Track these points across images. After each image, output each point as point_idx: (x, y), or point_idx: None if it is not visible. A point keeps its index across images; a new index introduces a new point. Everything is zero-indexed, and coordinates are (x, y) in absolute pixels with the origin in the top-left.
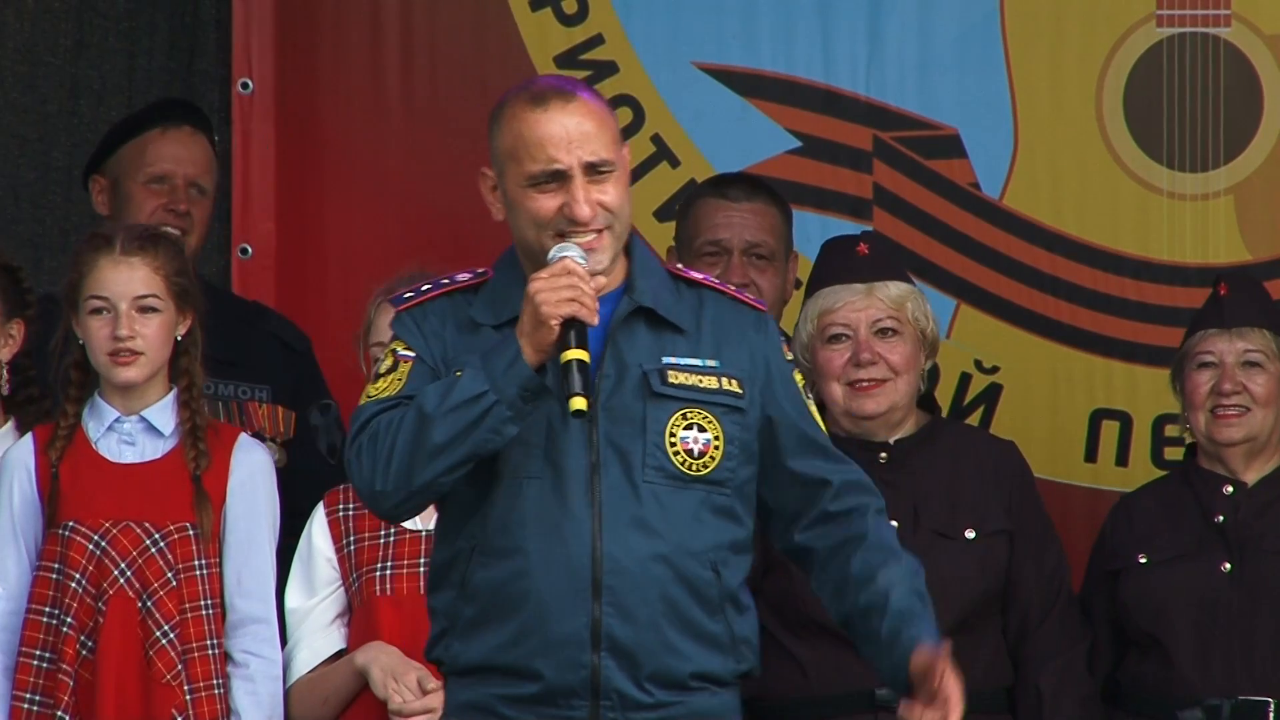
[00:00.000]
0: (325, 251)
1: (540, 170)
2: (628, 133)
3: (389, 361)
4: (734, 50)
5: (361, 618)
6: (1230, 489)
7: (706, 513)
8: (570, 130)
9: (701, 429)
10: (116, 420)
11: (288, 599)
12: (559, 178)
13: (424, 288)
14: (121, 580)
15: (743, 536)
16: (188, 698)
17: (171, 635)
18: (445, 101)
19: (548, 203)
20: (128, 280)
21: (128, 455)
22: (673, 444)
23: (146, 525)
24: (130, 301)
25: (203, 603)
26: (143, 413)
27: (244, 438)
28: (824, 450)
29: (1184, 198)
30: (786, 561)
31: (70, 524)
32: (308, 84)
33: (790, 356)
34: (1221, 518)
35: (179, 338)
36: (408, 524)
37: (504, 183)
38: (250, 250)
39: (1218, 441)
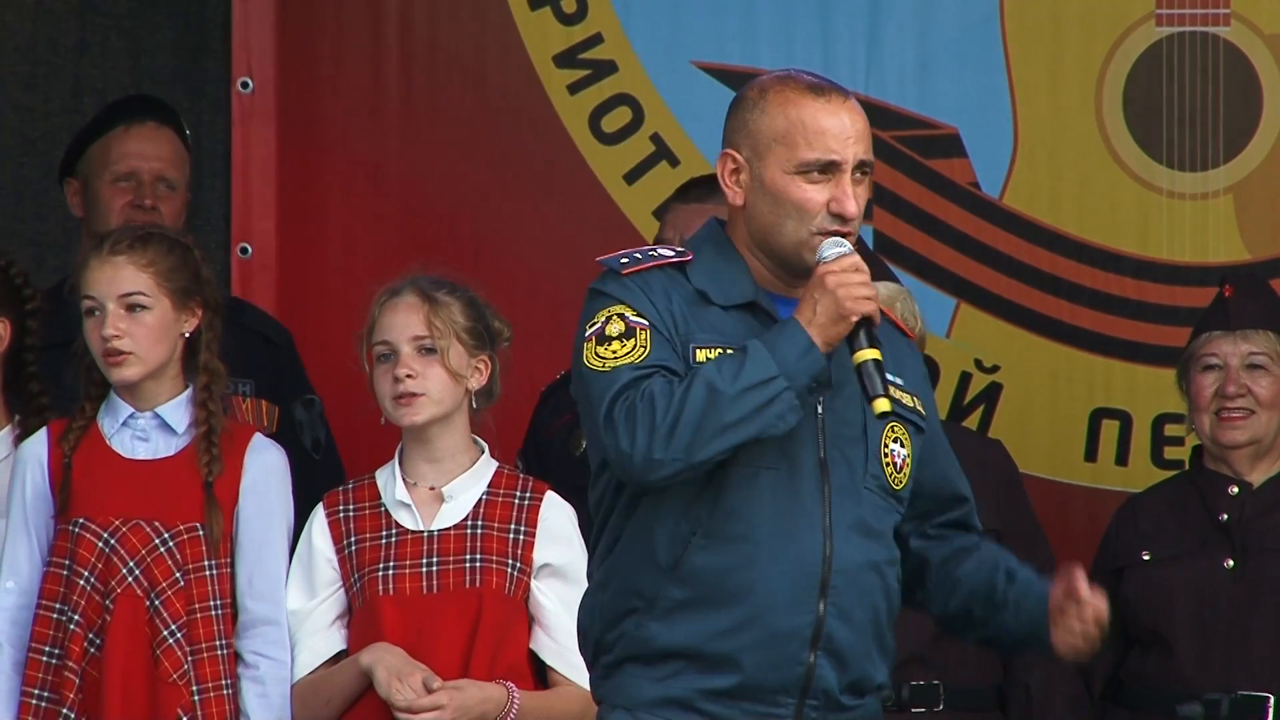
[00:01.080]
0: (325, 250)
1: (815, 159)
2: (626, 132)
3: (619, 325)
4: (733, 49)
5: (363, 618)
6: (1236, 489)
7: (893, 528)
8: (847, 126)
9: (901, 444)
10: (130, 416)
11: (288, 600)
12: (831, 170)
13: (636, 255)
14: (130, 579)
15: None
16: (195, 698)
17: (179, 635)
18: (445, 100)
19: (815, 194)
20: (111, 279)
21: (141, 451)
22: (886, 456)
23: (156, 524)
24: (116, 300)
25: (212, 603)
26: (157, 410)
27: (258, 438)
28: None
29: (1183, 197)
30: None
31: (80, 520)
32: (308, 83)
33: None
34: (1226, 516)
35: (186, 334)
36: (409, 524)
37: (761, 166)
38: (250, 249)
39: (1222, 444)
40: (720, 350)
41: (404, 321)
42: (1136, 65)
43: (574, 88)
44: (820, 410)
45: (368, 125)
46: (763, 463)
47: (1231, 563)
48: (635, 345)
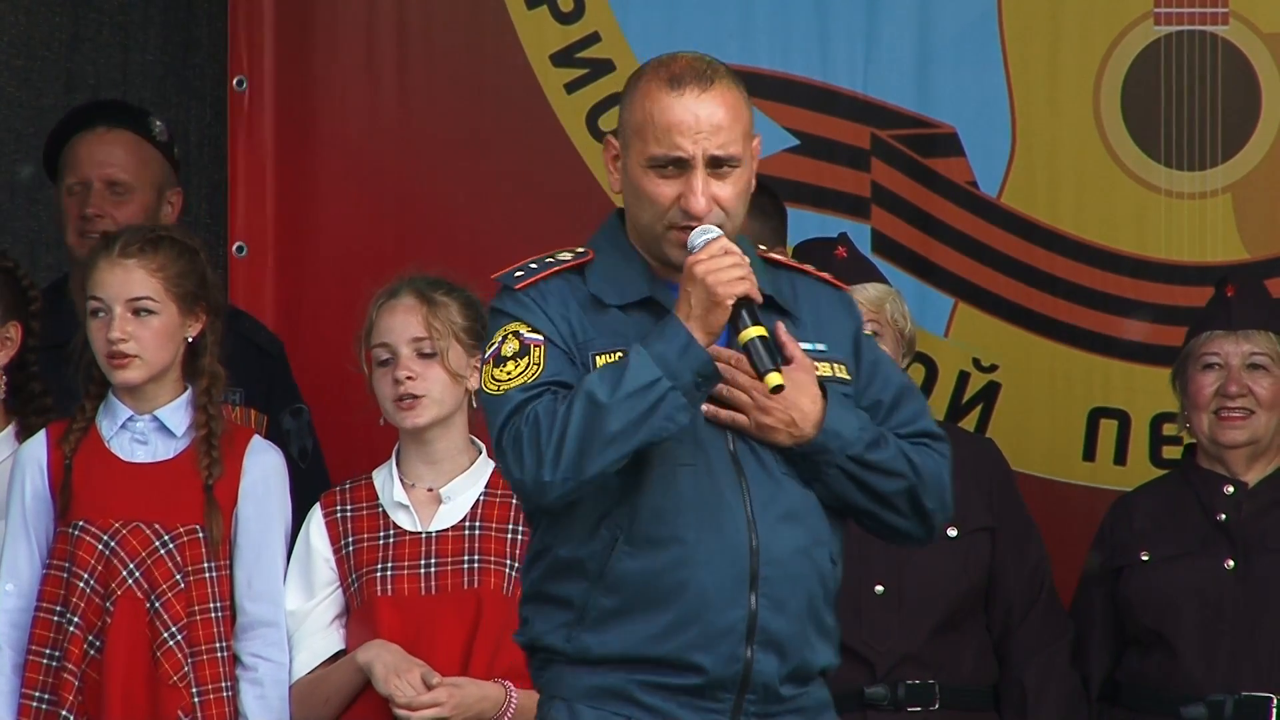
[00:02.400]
0: (321, 250)
1: (663, 155)
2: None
3: (514, 345)
4: (731, 48)
5: (361, 618)
6: (1231, 489)
7: (816, 501)
8: (701, 119)
9: None
10: (129, 419)
11: (285, 601)
12: (680, 165)
13: (531, 266)
14: (130, 581)
15: (841, 526)
16: (195, 700)
17: (179, 637)
18: (441, 99)
19: (666, 189)
20: (122, 282)
21: (140, 454)
22: None
23: (156, 526)
24: (124, 304)
25: (212, 605)
26: (155, 412)
27: (257, 440)
28: (910, 402)
29: (1182, 196)
30: None
31: (80, 523)
32: (304, 82)
33: (869, 330)
34: (1224, 516)
35: (189, 339)
36: (407, 525)
37: (626, 157)
38: (246, 248)
39: (1221, 444)
40: (620, 354)
41: (402, 323)
42: (1135, 64)
43: (571, 86)
44: (725, 396)
45: (364, 123)
46: (678, 460)
47: (1232, 563)
48: (529, 363)
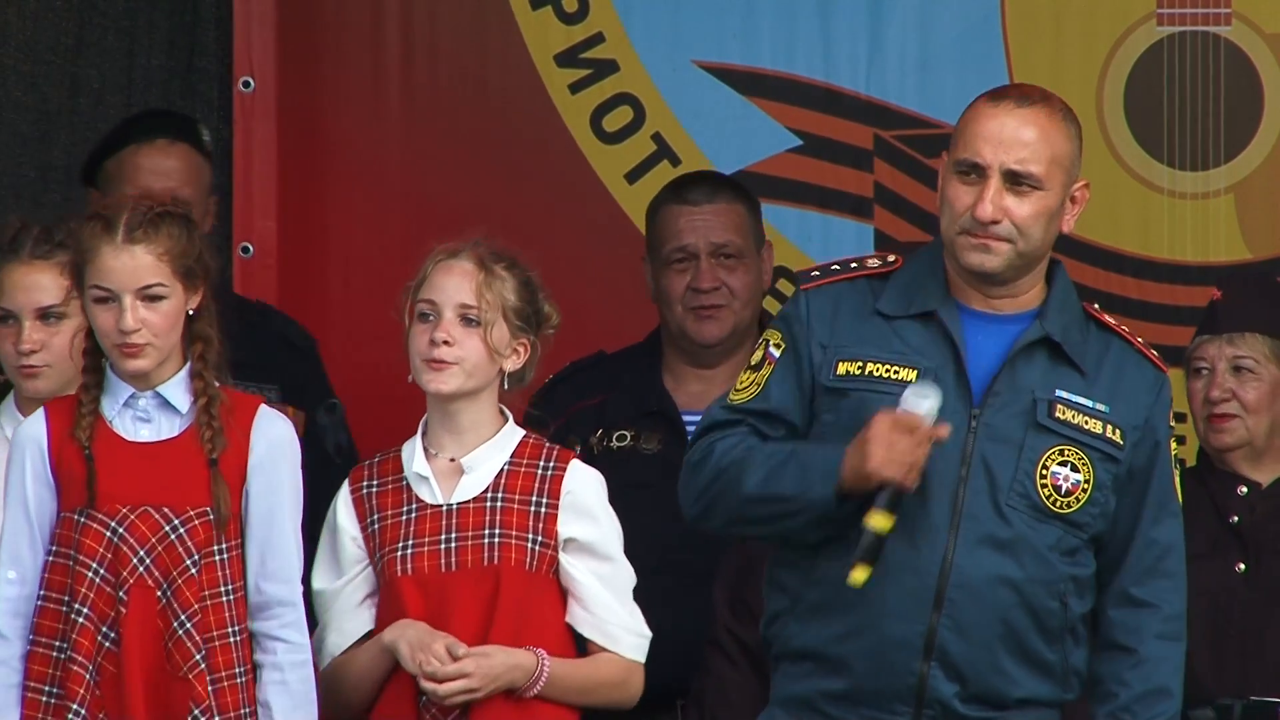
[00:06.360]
0: (326, 249)
1: (964, 158)
2: (627, 131)
3: (759, 353)
4: (734, 49)
5: (385, 599)
6: (1244, 490)
7: (1059, 551)
8: (1006, 131)
9: (1075, 469)
10: (131, 397)
11: (314, 581)
12: (978, 172)
13: (833, 268)
14: (141, 569)
15: (1087, 575)
16: (210, 688)
17: (189, 625)
18: (445, 99)
19: (963, 194)
20: (131, 271)
21: (144, 433)
22: (1043, 476)
23: (165, 510)
24: (134, 293)
25: (223, 589)
26: (158, 389)
27: (264, 409)
28: (1169, 523)
29: (1184, 196)
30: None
31: (85, 509)
32: (309, 82)
33: (1173, 424)
34: (1236, 518)
35: (190, 311)
36: (427, 498)
37: (948, 162)
38: (251, 249)
39: (1213, 447)
40: (862, 365)
41: (455, 285)
42: (1137, 65)
43: (575, 87)
44: (973, 424)
45: (369, 125)
46: None
47: (1243, 566)
48: (753, 382)
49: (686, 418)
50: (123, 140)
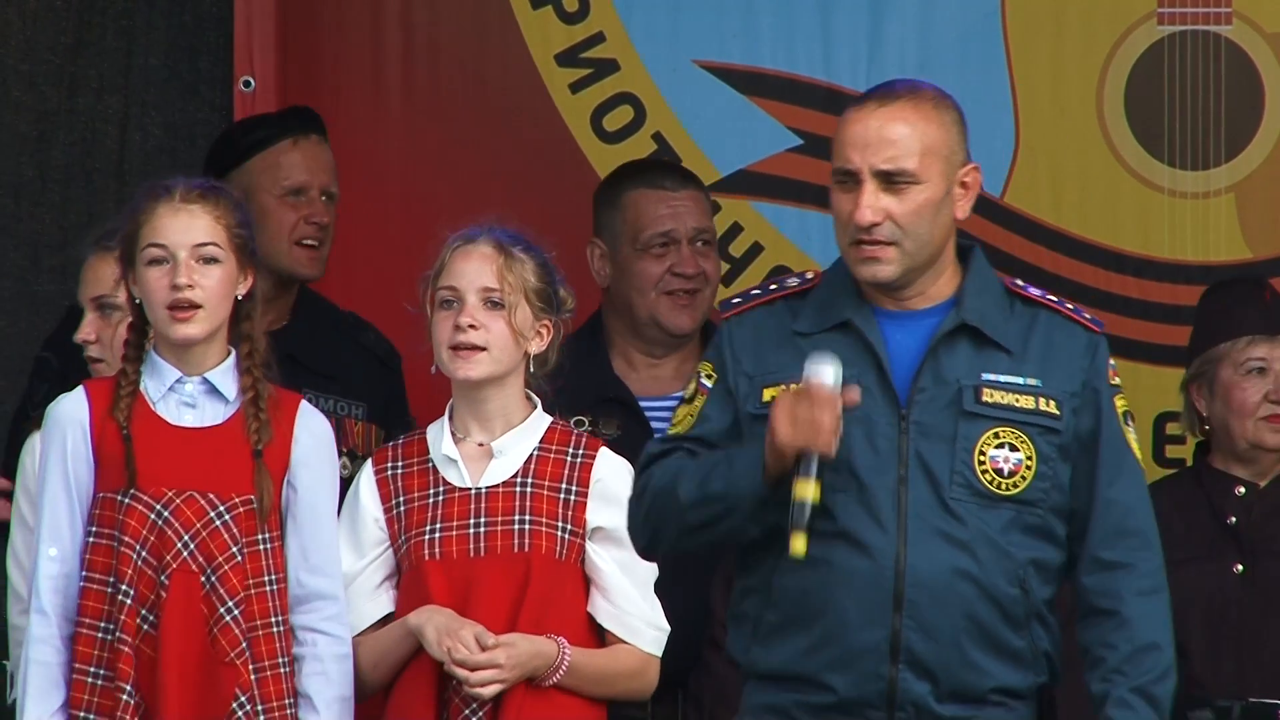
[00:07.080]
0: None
1: (837, 166)
2: (628, 131)
3: (692, 386)
4: (735, 48)
5: (410, 582)
6: (1242, 490)
7: (1016, 531)
8: (870, 132)
9: (1014, 448)
10: (178, 381)
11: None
12: (852, 179)
13: (753, 292)
14: (185, 554)
15: (1054, 553)
16: (253, 677)
17: (236, 612)
18: (446, 99)
19: (844, 203)
20: (187, 227)
21: (188, 418)
22: (981, 462)
23: (211, 496)
24: (190, 250)
25: (267, 578)
26: (206, 374)
27: (305, 405)
28: (1124, 480)
29: (1185, 196)
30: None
31: (130, 490)
32: (309, 82)
33: (1117, 380)
34: (1234, 519)
35: (239, 297)
36: (456, 481)
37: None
38: None
39: (1265, 448)
40: (786, 389)
41: (476, 270)
42: (1138, 64)
43: (575, 86)
44: (904, 424)
45: (369, 125)
46: (833, 486)
47: (1241, 567)
48: (686, 414)
49: (644, 403)
50: (275, 137)
